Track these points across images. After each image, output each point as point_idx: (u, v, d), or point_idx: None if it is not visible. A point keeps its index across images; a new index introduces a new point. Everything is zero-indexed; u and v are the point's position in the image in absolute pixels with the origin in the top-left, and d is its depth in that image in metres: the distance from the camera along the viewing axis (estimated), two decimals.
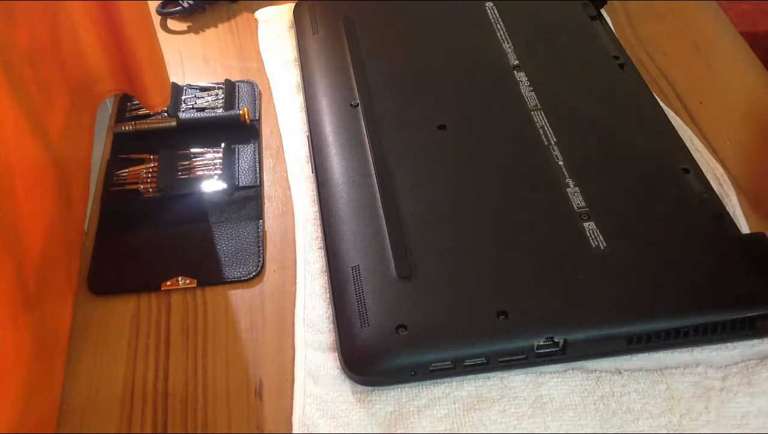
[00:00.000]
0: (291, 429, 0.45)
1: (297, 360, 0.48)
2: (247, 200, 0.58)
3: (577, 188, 0.53)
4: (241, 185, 0.59)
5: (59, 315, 0.49)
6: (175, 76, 0.67)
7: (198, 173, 0.59)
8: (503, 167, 0.55)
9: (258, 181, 0.59)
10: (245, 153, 0.61)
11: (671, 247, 0.50)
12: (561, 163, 0.54)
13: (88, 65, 0.56)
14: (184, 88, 0.66)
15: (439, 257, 0.49)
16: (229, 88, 0.66)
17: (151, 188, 0.58)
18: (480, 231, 0.51)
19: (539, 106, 0.58)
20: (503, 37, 0.65)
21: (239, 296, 0.52)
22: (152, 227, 0.56)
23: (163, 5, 0.74)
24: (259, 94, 0.67)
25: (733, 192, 0.57)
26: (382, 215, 0.51)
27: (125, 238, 0.55)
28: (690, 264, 0.49)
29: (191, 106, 0.64)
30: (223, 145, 0.61)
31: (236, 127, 0.63)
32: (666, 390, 0.46)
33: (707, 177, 0.55)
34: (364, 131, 0.57)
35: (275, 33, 0.72)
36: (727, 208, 0.53)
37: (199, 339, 0.50)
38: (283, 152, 0.61)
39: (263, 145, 0.62)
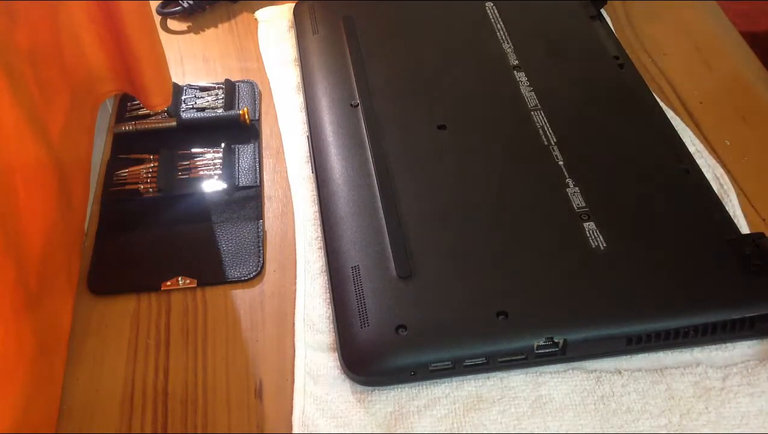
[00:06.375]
0: (291, 429, 0.45)
1: (297, 360, 0.48)
2: (247, 200, 0.58)
3: (577, 188, 0.53)
4: (241, 185, 0.59)
5: (59, 315, 0.49)
6: (175, 76, 0.67)
7: (198, 173, 0.59)
8: (503, 167, 0.55)
9: (258, 181, 0.59)
10: (245, 153, 0.61)
11: (671, 247, 0.50)
12: (561, 163, 0.54)
13: (88, 65, 0.56)
14: (184, 88, 0.66)
15: (439, 257, 0.49)
16: (229, 88, 0.66)
17: (151, 188, 0.58)
18: (480, 231, 0.51)
19: (539, 107, 0.58)
20: (503, 37, 0.65)
21: (239, 296, 0.52)
22: (152, 227, 0.56)
23: (163, 5, 0.74)
24: (259, 94, 0.67)
25: (733, 192, 0.57)
26: (382, 215, 0.51)
27: (125, 238, 0.55)
28: (690, 264, 0.49)
29: (191, 107, 0.64)
30: (223, 145, 0.61)
31: (236, 127, 0.63)
32: (666, 390, 0.46)
33: (707, 177, 0.55)
34: (364, 131, 0.57)
35: (275, 33, 0.72)
36: (727, 208, 0.53)
37: (199, 339, 0.50)
38: (283, 152, 0.61)
39: (263, 145, 0.62)
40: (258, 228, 0.56)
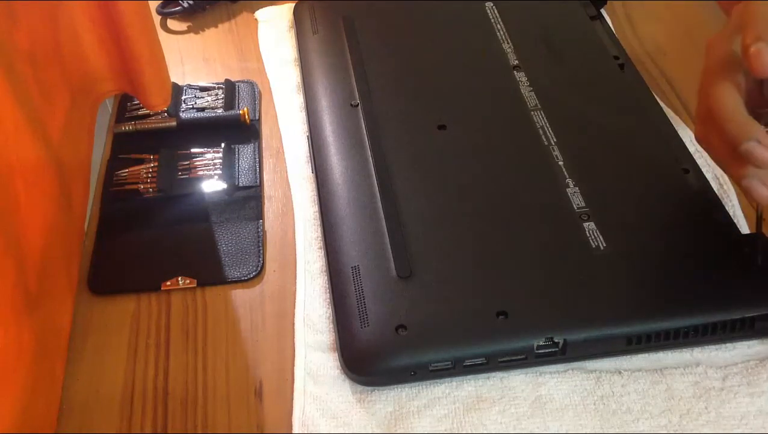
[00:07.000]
0: (291, 429, 0.45)
1: (297, 360, 0.48)
2: (247, 200, 0.58)
3: (577, 188, 0.53)
4: (241, 185, 0.59)
5: (59, 315, 0.49)
6: (175, 76, 0.67)
7: (198, 173, 0.59)
8: (503, 167, 0.55)
9: (258, 181, 0.59)
10: (245, 153, 0.61)
11: (671, 247, 0.50)
12: (561, 163, 0.54)
13: (88, 65, 0.56)
14: (184, 88, 0.66)
15: (439, 257, 0.49)
16: (229, 88, 0.66)
17: (151, 188, 0.58)
18: (480, 231, 0.51)
19: (539, 106, 0.58)
20: (503, 37, 0.65)
21: (239, 296, 0.52)
22: (152, 227, 0.56)
23: (163, 5, 0.74)
24: (259, 94, 0.67)
25: (733, 192, 0.57)
26: (382, 215, 0.51)
27: (125, 238, 0.55)
28: (689, 264, 0.49)
29: (191, 107, 0.64)
30: (223, 145, 0.61)
31: (236, 127, 0.63)
32: (666, 390, 0.46)
33: (707, 177, 0.55)
34: (364, 131, 0.57)
35: (275, 33, 0.72)
36: (727, 208, 0.53)
37: (199, 339, 0.50)
38: (283, 152, 0.61)
39: (263, 145, 0.62)
40: (258, 228, 0.56)
